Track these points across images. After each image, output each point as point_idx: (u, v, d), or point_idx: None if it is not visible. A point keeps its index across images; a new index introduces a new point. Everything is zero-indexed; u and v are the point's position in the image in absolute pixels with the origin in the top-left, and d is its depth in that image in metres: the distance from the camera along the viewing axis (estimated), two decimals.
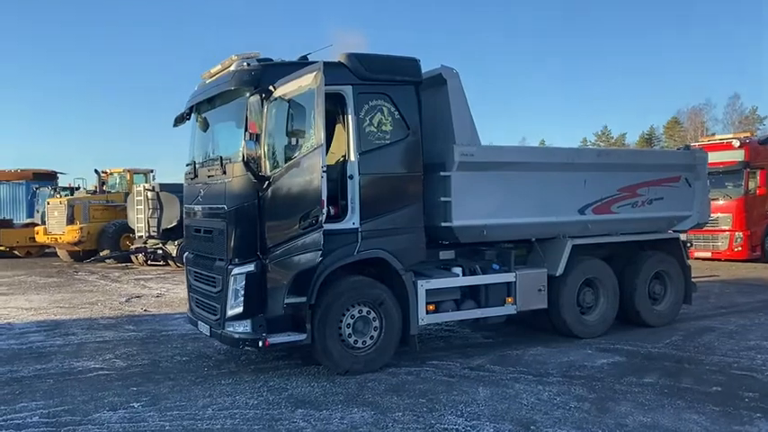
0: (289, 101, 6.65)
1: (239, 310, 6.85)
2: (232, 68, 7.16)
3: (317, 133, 6.53)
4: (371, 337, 7.38)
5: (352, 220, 7.27)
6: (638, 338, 8.80)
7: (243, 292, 6.83)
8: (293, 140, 6.65)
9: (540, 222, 8.63)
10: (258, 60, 7.14)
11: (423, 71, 7.75)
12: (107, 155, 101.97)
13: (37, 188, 28.31)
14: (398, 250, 7.49)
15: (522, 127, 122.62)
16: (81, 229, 21.97)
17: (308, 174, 6.52)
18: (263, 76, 6.85)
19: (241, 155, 6.72)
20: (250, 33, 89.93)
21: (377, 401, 6.28)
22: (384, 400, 6.33)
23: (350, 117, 7.29)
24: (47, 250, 25.80)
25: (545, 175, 8.60)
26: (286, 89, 6.65)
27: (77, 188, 27.35)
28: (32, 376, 7.51)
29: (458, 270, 8.21)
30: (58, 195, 25.03)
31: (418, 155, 7.66)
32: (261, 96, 6.68)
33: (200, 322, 7.81)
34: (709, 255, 18.51)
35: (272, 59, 7.21)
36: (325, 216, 6.43)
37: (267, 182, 6.77)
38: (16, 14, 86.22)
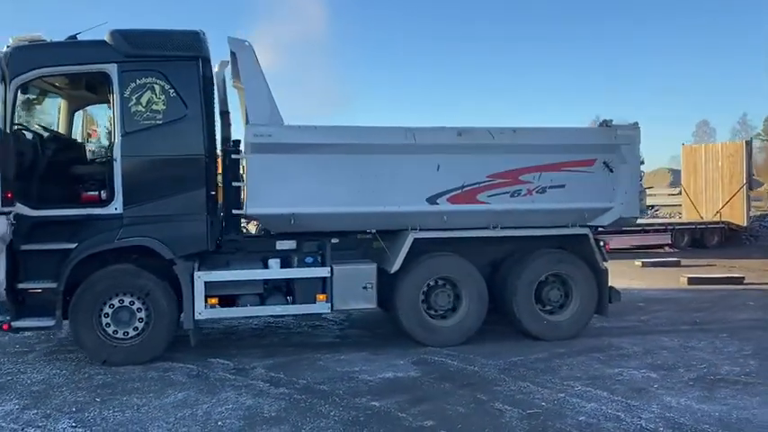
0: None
1: None
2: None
3: None
4: (135, 329, 7.03)
5: (114, 206, 6.96)
6: (489, 352, 7.34)
7: None
8: None
9: (371, 212, 7.53)
10: (29, 42, 7.07)
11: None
12: None
13: None
14: (170, 238, 7.03)
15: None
16: None
17: None
18: (9, 60, 6.78)
19: None
20: None
21: (60, 395, 6.03)
22: (69, 395, 6.02)
23: (115, 96, 6.96)
24: None
25: (378, 158, 7.47)
26: None
27: None
28: None
29: (274, 262, 7.54)
30: None
31: (199, 135, 7.10)
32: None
33: None
34: None
35: (45, 40, 7.12)
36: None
37: None
38: None
